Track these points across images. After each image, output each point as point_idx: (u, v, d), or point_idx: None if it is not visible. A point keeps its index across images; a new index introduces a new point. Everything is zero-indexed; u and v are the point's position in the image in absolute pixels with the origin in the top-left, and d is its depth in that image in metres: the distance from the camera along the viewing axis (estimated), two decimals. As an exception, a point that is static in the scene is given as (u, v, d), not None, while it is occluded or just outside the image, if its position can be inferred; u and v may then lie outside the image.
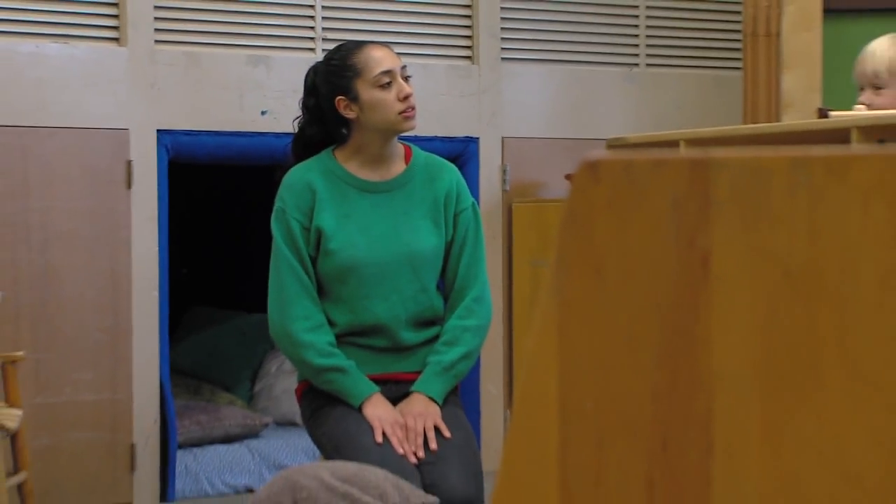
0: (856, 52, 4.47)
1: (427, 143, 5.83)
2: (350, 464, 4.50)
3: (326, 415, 4.75)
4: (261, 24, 5.52)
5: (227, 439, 5.69)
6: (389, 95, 4.69)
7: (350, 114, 4.77)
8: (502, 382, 5.93)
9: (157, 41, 5.32)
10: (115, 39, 5.27)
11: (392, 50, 4.84)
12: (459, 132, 5.90)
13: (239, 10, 5.48)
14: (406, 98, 4.68)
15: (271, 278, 4.74)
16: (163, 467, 5.29)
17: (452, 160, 5.97)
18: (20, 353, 4.78)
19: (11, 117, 5.06)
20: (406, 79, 4.73)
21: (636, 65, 6.26)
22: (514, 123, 5.99)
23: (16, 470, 4.69)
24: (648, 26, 6.26)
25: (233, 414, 5.80)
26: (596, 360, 1.15)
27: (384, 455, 4.60)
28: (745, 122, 4.38)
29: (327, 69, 4.81)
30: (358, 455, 4.60)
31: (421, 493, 4.52)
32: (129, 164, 5.24)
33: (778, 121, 4.33)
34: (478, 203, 5.05)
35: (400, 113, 4.67)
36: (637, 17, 6.26)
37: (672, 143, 4.27)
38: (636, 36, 6.25)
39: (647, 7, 6.26)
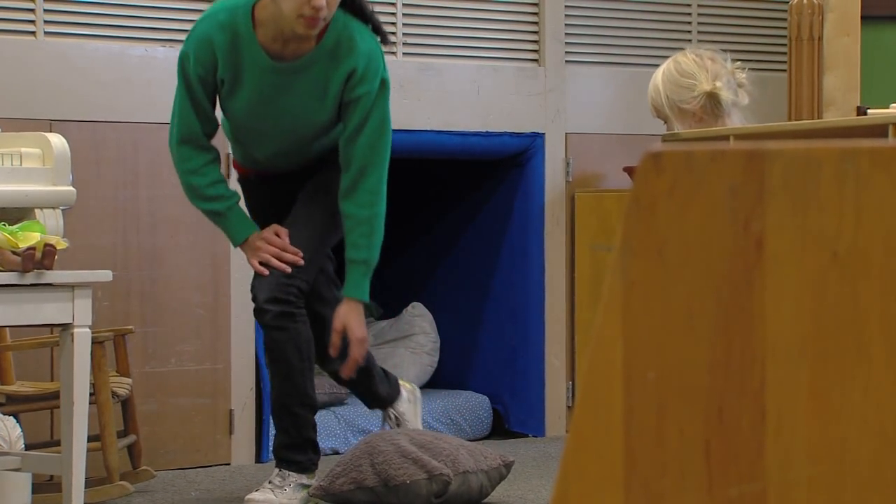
0: (892, 55, 4.42)
1: (497, 137, 5.82)
2: (429, 432, 4.52)
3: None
4: (347, 29, 5.52)
5: (316, 406, 5.70)
6: None
7: None
8: (565, 355, 5.92)
9: (253, 45, 5.33)
10: (216, 44, 5.28)
11: None
12: (527, 128, 5.89)
13: (327, 17, 5.48)
14: (315, 8, 3.94)
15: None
16: (258, 431, 5.32)
17: (520, 154, 5.96)
18: (130, 327, 4.81)
19: (124, 114, 5.09)
20: None
21: (689, 67, 6.22)
22: (576, 120, 5.97)
23: (126, 432, 4.73)
24: (700, 31, 6.22)
25: (321, 383, 5.80)
26: (657, 334, 1.14)
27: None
28: (789, 119, 4.35)
29: None
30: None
31: (497, 455, 4.53)
32: (228, 156, 5.26)
33: (820, 118, 4.29)
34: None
35: (300, 16, 3.99)
36: (689, 23, 6.22)
37: (722, 138, 4.24)
38: (689, 41, 6.21)
39: (699, 14, 6.22)
